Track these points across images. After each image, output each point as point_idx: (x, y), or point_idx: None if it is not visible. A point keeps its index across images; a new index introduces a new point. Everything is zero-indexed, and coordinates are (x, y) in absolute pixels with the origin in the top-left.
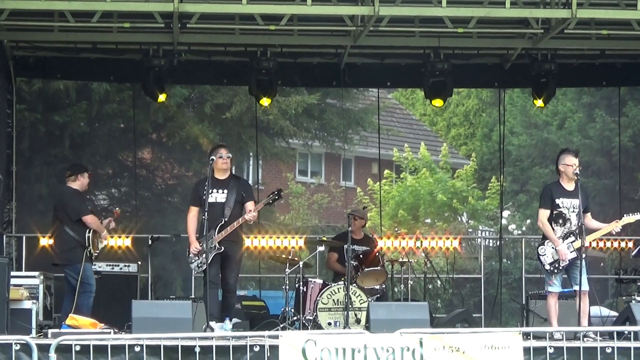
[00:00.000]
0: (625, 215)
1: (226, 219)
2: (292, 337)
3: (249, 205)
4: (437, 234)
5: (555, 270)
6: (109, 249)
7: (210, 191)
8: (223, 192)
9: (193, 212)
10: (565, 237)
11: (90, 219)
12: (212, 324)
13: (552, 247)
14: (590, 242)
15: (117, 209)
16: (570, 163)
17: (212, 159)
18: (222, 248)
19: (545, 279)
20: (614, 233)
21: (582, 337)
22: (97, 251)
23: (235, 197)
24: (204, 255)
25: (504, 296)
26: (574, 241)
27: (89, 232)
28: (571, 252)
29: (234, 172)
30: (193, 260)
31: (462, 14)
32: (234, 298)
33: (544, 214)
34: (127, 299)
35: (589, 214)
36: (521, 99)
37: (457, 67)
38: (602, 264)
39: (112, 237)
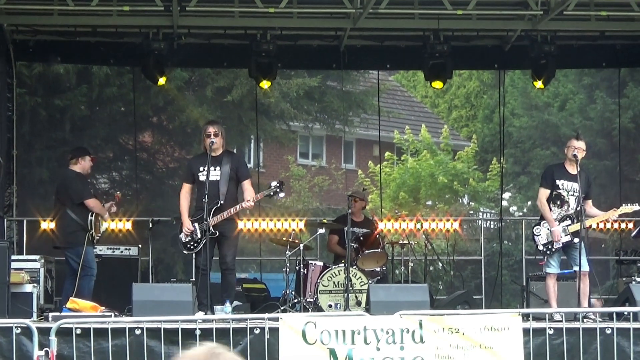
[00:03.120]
0: (623, 204)
1: (222, 202)
2: (292, 319)
3: (246, 184)
4: (438, 216)
5: (548, 252)
6: (110, 232)
7: (202, 169)
8: (216, 170)
9: (185, 188)
10: (561, 220)
11: (92, 203)
12: (215, 307)
13: (547, 228)
14: (590, 225)
15: (118, 192)
16: (569, 145)
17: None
18: (217, 233)
19: (544, 260)
20: (610, 220)
21: (581, 318)
22: (99, 234)
23: (229, 175)
24: (196, 237)
25: (505, 278)
26: (569, 225)
27: (92, 216)
28: (566, 235)
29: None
30: (184, 240)
31: None
32: (232, 276)
33: (544, 193)
34: (128, 282)
35: (589, 201)
36: (522, 80)
37: (456, 49)
38: (603, 246)
39: (112, 220)
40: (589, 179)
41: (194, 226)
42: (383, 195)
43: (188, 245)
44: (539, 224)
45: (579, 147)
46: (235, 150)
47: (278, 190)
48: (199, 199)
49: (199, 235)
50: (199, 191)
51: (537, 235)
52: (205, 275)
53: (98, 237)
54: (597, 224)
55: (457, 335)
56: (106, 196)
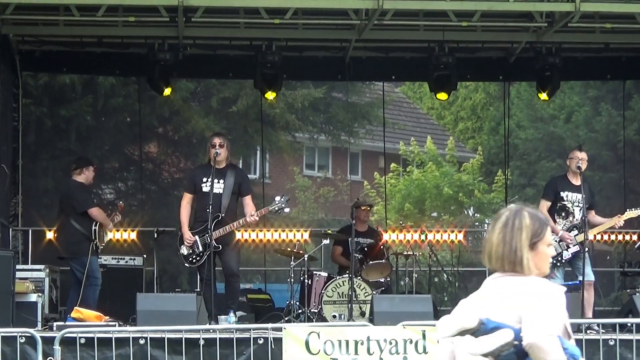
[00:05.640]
0: (627, 209)
1: (223, 215)
2: (295, 329)
3: (247, 199)
4: (443, 227)
5: (558, 264)
6: (115, 242)
7: (205, 180)
8: (219, 182)
9: (187, 199)
10: (568, 230)
11: (96, 212)
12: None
13: (555, 240)
14: (594, 236)
15: (120, 202)
16: (573, 156)
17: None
18: (220, 247)
19: (553, 272)
20: (617, 227)
21: (585, 329)
22: (103, 244)
23: (232, 189)
24: (197, 250)
25: None
26: (576, 235)
27: (95, 225)
28: (574, 245)
29: (236, 162)
30: (185, 252)
31: (466, 8)
32: (237, 283)
33: (544, 204)
34: (133, 292)
35: (593, 212)
36: (528, 92)
37: (461, 61)
38: (608, 258)
39: (117, 230)
40: (592, 190)
41: (195, 238)
42: (388, 207)
43: (190, 259)
44: None
45: (582, 159)
46: (241, 161)
47: (283, 206)
48: (200, 210)
49: (200, 249)
50: (200, 202)
51: None
52: (209, 287)
53: (102, 247)
54: (602, 235)
55: None
56: (111, 206)
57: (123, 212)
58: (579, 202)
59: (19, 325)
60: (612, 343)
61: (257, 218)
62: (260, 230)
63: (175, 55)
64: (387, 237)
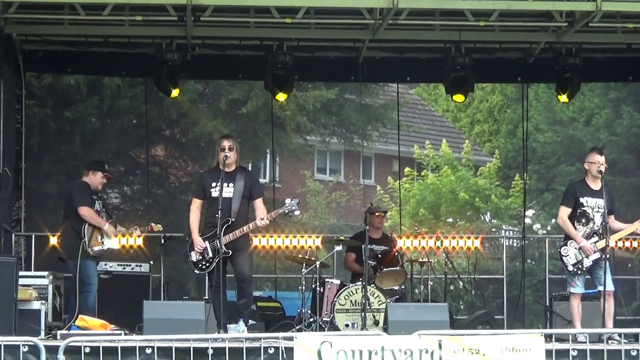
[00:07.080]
0: None
1: (233, 219)
2: (307, 338)
3: (258, 203)
4: (459, 234)
5: (579, 272)
6: (121, 248)
7: (215, 184)
8: (229, 186)
9: (196, 204)
10: (588, 237)
11: (84, 211)
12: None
13: (575, 248)
14: (616, 242)
15: (159, 225)
16: (594, 160)
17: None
18: (230, 252)
19: (568, 280)
20: (638, 232)
21: (606, 339)
22: (96, 249)
23: (242, 192)
24: (207, 256)
25: (528, 298)
26: (597, 241)
27: (85, 225)
28: (595, 252)
29: (246, 165)
30: (194, 259)
31: (483, 7)
32: (250, 288)
33: (565, 211)
34: (139, 299)
35: (612, 217)
36: (546, 94)
37: (478, 62)
38: (629, 265)
39: (123, 235)
40: (612, 194)
41: (205, 245)
42: (402, 212)
43: (199, 265)
44: (565, 244)
45: (603, 163)
46: (250, 165)
47: (293, 208)
48: (210, 215)
49: (210, 254)
50: (211, 207)
51: (565, 256)
52: (219, 294)
53: (95, 251)
54: (623, 242)
55: (477, 356)
56: (117, 211)
57: (145, 230)
58: (599, 208)
59: (22, 333)
60: (634, 353)
61: (267, 222)
62: (271, 236)
63: (183, 55)
64: (402, 243)
